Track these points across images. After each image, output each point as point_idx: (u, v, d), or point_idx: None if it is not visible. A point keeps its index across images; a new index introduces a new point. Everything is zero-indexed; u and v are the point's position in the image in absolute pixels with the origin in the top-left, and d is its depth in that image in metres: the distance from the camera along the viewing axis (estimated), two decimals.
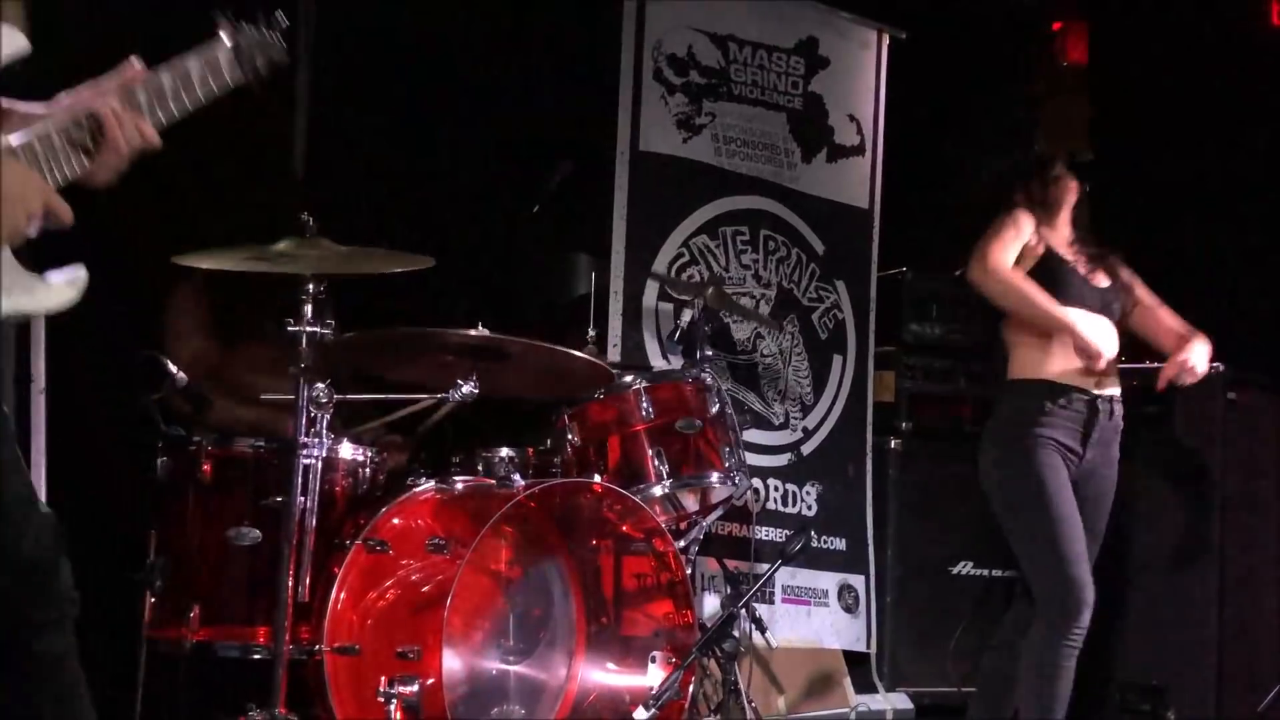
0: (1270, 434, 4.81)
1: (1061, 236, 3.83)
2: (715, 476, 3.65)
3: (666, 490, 3.61)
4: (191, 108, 2.25)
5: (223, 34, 2.29)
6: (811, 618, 4.88)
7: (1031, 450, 3.60)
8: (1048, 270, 3.70)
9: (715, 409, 3.70)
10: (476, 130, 4.91)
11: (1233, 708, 4.53)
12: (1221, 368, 4.33)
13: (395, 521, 3.31)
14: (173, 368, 3.29)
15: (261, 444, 3.34)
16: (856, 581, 5.00)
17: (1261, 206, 5.44)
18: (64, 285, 2.18)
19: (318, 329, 3.04)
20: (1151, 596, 4.66)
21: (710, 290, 4.04)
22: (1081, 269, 3.77)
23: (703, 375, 3.74)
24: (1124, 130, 5.93)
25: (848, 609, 4.96)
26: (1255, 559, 4.71)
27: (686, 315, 3.92)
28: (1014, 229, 3.70)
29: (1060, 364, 3.66)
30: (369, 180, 4.57)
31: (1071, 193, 3.85)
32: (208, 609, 3.21)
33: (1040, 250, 3.73)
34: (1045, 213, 3.79)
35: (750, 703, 3.82)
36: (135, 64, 2.23)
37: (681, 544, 3.79)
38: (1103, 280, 3.80)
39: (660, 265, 4.67)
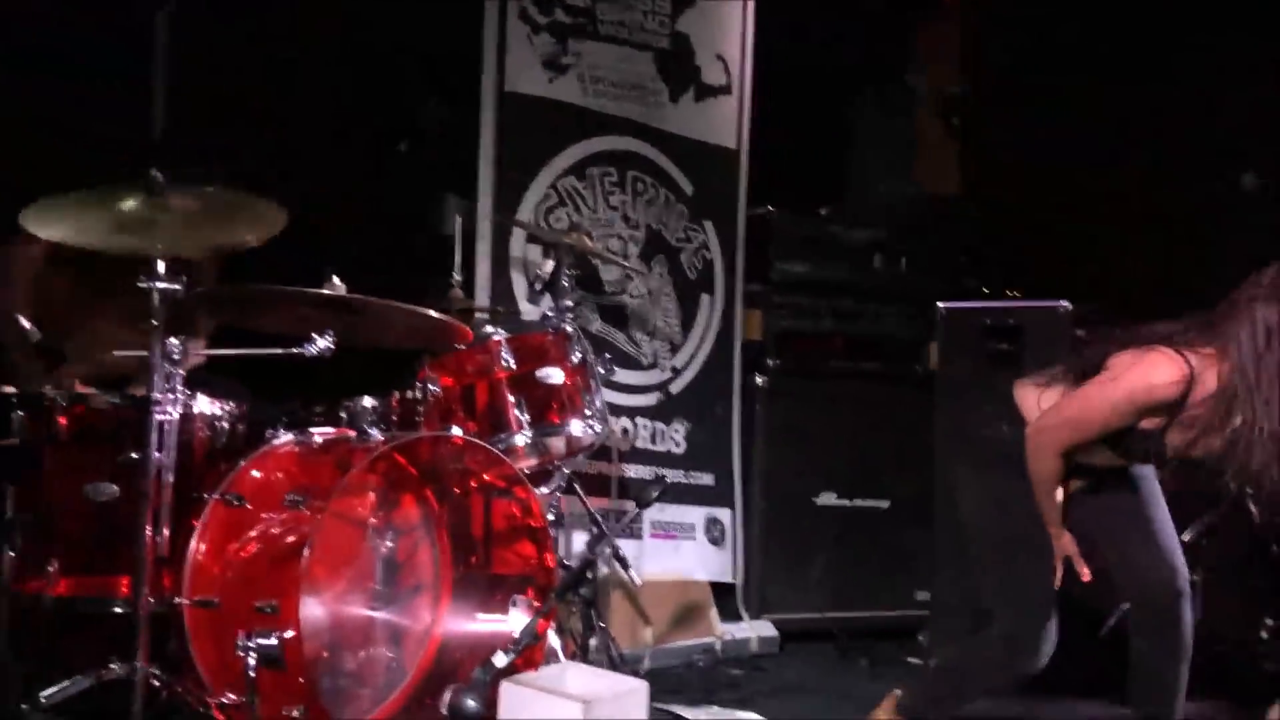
0: None
1: None
2: (575, 425, 3.72)
3: (528, 439, 3.67)
4: None
5: None
6: (679, 552, 5.00)
7: None
8: None
9: (577, 357, 3.76)
10: (342, 68, 4.85)
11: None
12: (1069, 305, 4.48)
13: (254, 475, 3.32)
14: (25, 323, 3.26)
15: (118, 399, 3.33)
16: (723, 515, 5.13)
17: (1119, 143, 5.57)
18: None
19: (171, 285, 3.02)
20: None
21: (574, 237, 4.08)
22: None
23: (563, 325, 3.78)
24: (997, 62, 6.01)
25: (714, 541, 5.09)
26: None
27: (549, 264, 3.95)
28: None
29: None
30: (228, 120, 4.49)
31: None
32: (68, 564, 3.22)
33: None
34: None
35: (613, 639, 3.93)
36: None
37: (545, 489, 3.86)
38: None
39: (528, 207, 4.69)
